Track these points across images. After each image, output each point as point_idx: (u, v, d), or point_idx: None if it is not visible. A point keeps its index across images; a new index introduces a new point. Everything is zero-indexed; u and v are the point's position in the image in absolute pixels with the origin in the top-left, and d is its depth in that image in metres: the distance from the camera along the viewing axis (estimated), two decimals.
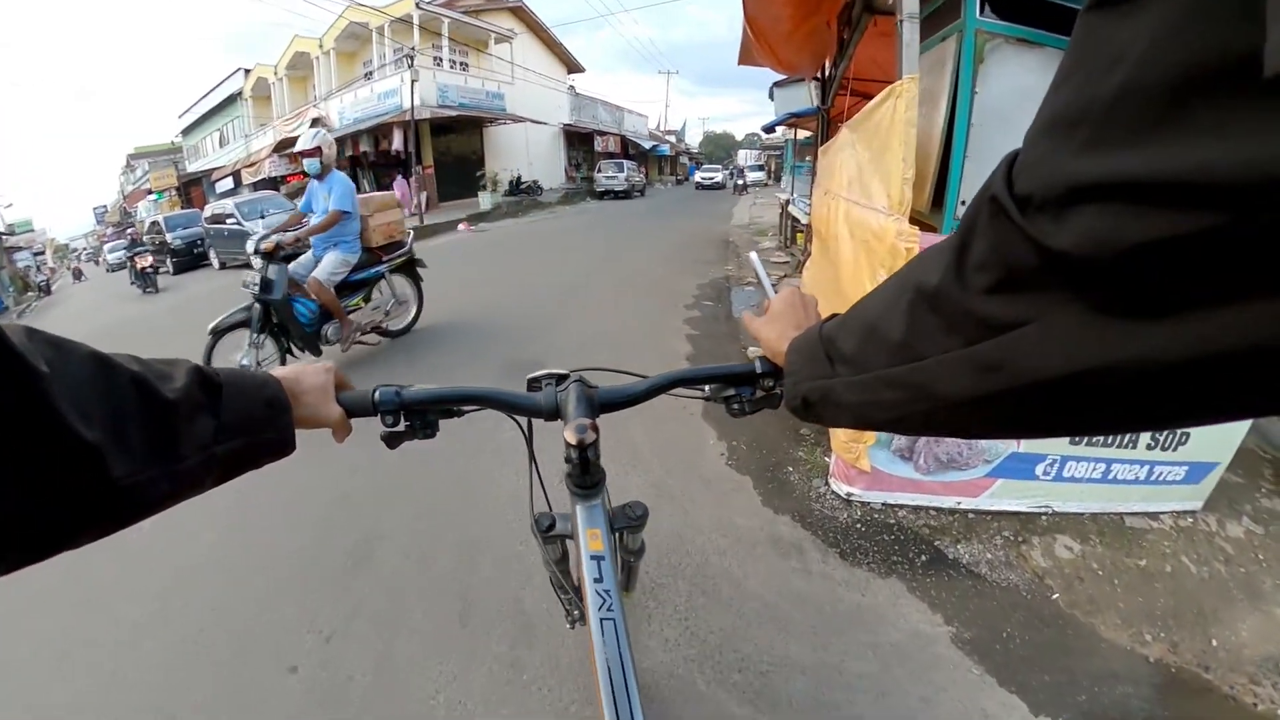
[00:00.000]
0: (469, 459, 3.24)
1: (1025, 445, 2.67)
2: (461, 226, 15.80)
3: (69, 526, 0.43)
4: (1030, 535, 2.60)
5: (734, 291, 7.05)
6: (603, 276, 8.16)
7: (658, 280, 7.74)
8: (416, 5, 19.06)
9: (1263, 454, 3.21)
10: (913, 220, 2.24)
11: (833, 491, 2.81)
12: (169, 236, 16.21)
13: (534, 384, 0.86)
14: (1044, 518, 2.71)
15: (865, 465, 2.58)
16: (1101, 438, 2.72)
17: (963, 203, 2.61)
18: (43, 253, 35.82)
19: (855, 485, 2.71)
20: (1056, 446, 2.72)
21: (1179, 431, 2.81)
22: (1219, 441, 2.97)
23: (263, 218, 13.31)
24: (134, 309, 11.01)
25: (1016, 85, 2.54)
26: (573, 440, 0.72)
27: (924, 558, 2.44)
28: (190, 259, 16.01)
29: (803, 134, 12.03)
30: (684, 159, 46.47)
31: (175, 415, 0.52)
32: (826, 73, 6.02)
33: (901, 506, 2.71)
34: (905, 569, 2.38)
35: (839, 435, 2.70)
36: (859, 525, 2.61)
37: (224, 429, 0.57)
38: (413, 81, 16.00)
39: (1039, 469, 2.73)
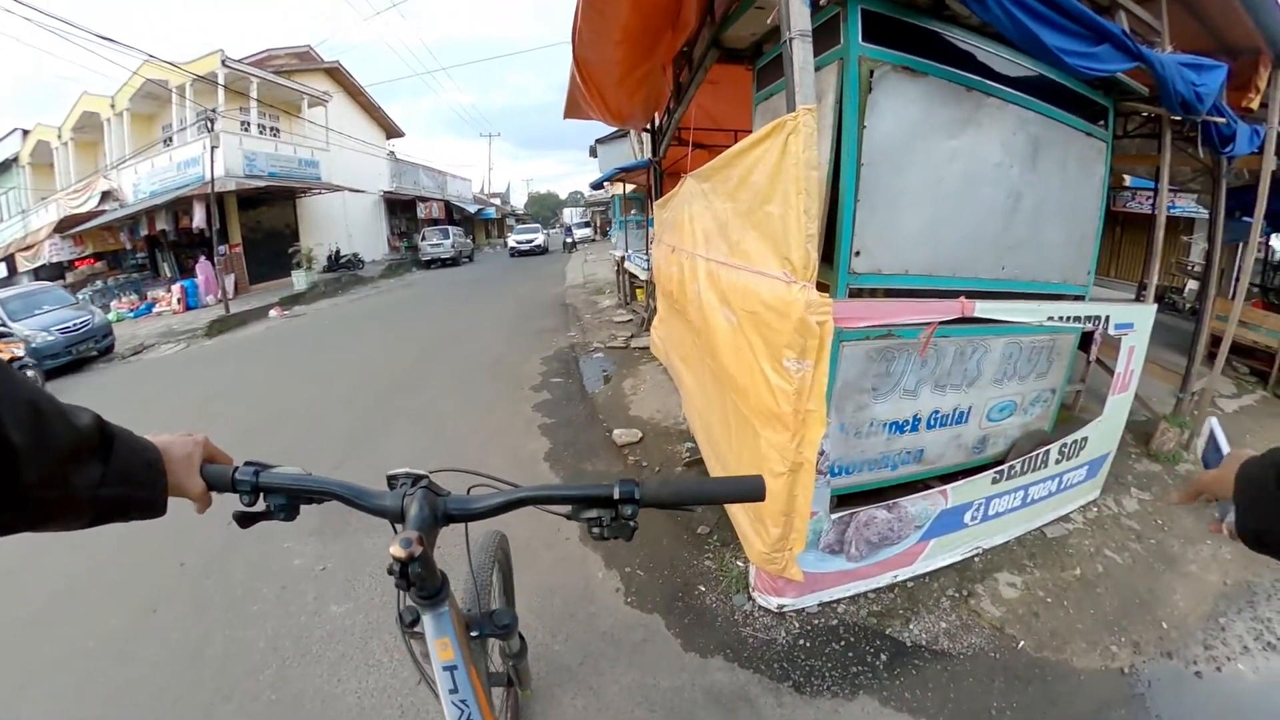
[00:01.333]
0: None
1: (953, 498, 2.54)
2: (273, 312, 13.89)
3: None
4: (971, 584, 2.56)
5: (583, 361, 6.54)
6: (435, 363, 7.16)
7: (499, 359, 7.03)
8: (222, 63, 17.08)
9: None
10: None
11: (760, 607, 2.41)
12: None
13: (392, 480, 0.87)
14: (976, 559, 2.72)
15: (796, 574, 2.24)
16: (1018, 465, 2.76)
17: (856, 253, 2.38)
18: None
19: (785, 595, 2.37)
20: (980, 491, 2.69)
21: (1080, 438, 2.95)
22: (1109, 433, 3.20)
23: (34, 315, 10.56)
24: None
25: (905, 118, 2.37)
26: (399, 554, 0.71)
27: (884, 656, 2.19)
28: None
29: (630, 188, 12.06)
30: (511, 220, 45.99)
31: (79, 447, 0.62)
32: (657, 123, 5.97)
33: (838, 601, 2.43)
34: (869, 678, 2.09)
35: (756, 545, 2.32)
36: (802, 642, 2.26)
37: (108, 476, 0.65)
38: (213, 148, 14.25)
39: (967, 516, 2.69)
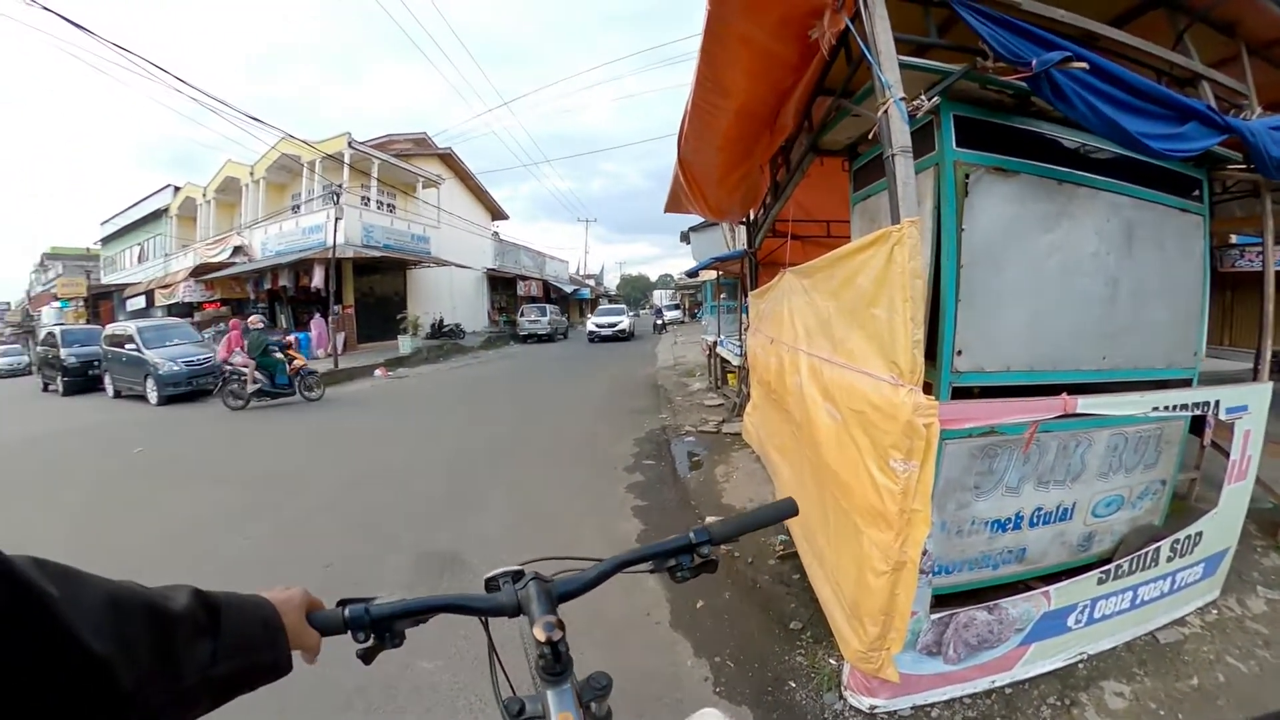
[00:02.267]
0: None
1: (1055, 600, 2.44)
2: (378, 372, 15.00)
3: None
4: (1075, 693, 2.37)
5: (674, 444, 6.58)
6: (532, 435, 7.50)
7: (592, 436, 7.21)
8: (349, 145, 19.32)
9: None
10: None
11: (851, 707, 2.34)
12: (64, 352, 14.72)
13: (491, 583, 0.92)
14: (1080, 666, 2.52)
15: (893, 675, 2.18)
16: (1126, 564, 2.60)
17: (959, 353, 2.43)
18: None
19: (879, 696, 2.29)
20: (1085, 592, 2.54)
21: (1194, 532, 2.73)
22: (1228, 526, 2.94)
23: (165, 346, 12.27)
24: None
25: (1001, 217, 2.45)
26: (542, 638, 0.76)
27: None
28: (83, 380, 14.50)
29: (719, 273, 12.30)
30: (603, 301, 47.64)
31: (178, 632, 0.56)
32: (753, 217, 6.24)
33: (932, 705, 2.33)
34: None
35: (852, 643, 2.29)
36: None
37: (222, 650, 0.59)
38: (337, 219, 15.87)
39: (1071, 619, 2.54)
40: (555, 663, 0.78)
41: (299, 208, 20.44)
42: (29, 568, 0.44)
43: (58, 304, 29.99)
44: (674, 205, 6.10)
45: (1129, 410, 2.44)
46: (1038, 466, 2.61)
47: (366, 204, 20.79)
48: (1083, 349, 2.66)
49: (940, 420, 1.92)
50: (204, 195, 24.33)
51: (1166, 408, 2.52)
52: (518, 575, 0.90)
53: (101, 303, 28.97)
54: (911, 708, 2.29)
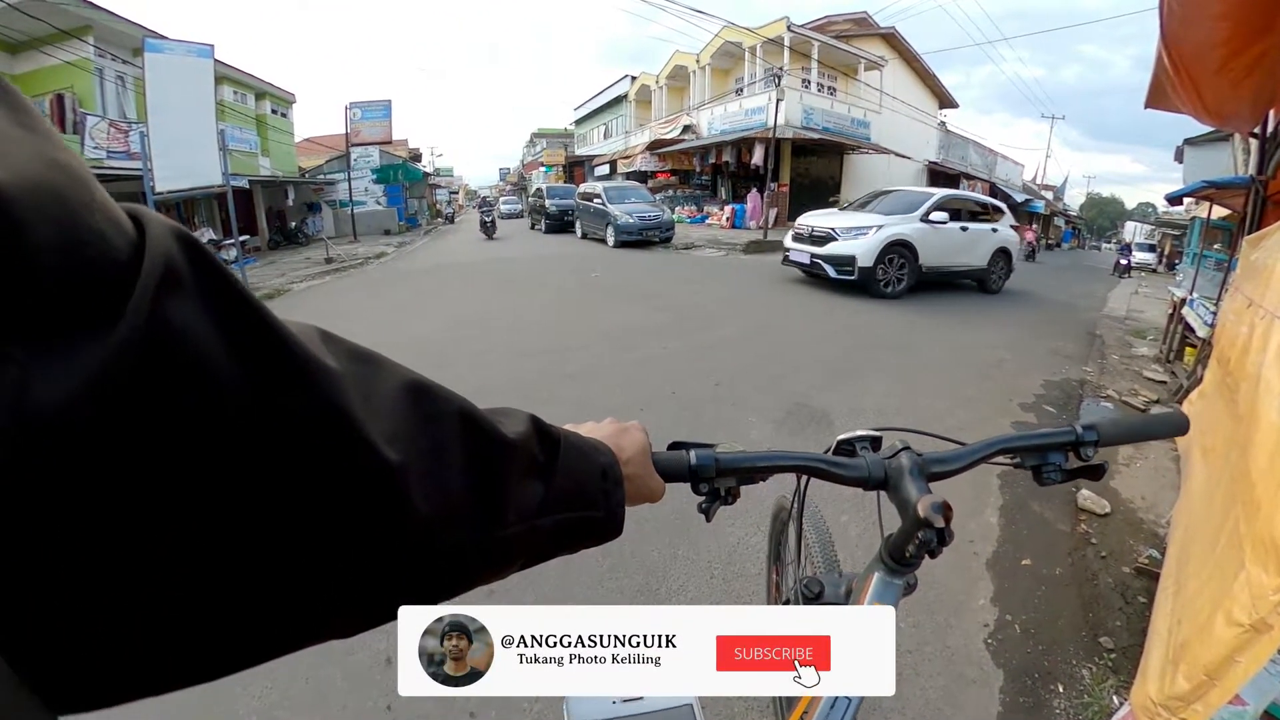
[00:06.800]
0: None
1: None
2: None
3: (346, 590, 0.34)
4: None
5: (1086, 403, 5.46)
6: (935, 345, 7.11)
7: (999, 362, 6.46)
8: (788, 28, 19.67)
9: None
10: None
11: None
12: (548, 203, 20.52)
13: (845, 445, 0.81)
14: None
15: None
16: None
17: None
18: (456, 193, 52.52)
19: None
20: None
21: None
22: None
23: (624, 203, 15.45)
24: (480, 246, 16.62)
25: None
26: (939, 520, 0.65)
27: None
28: (560, 224, 19.58)
29: (1218, 213, 9.11)
30: (1059, 220, 39.01)
31: (509, 465, 0.43)
32: (1270, 127, 4.41)
33: None
34: None
35: (1148, 687, 1.78)
36: None
37: (551, 498, 0.47)
38: (778, 101, 16.53)
39: None
40: (939, 547, 0.69)
41: (741, 90, 21.97)
42: (312, 339, 0.34)
43: (543, 169, 43.69)
44: (1157, 99, 4.50)
45: None
46: None
47: (806, 86, 21.01)
48: None
49: None
50: (656, 82, 28.51)
51: None
52: (875, 441, 0.81)
53: (575, 169, 38.12)
54: None
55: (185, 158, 10.37)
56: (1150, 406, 5.60)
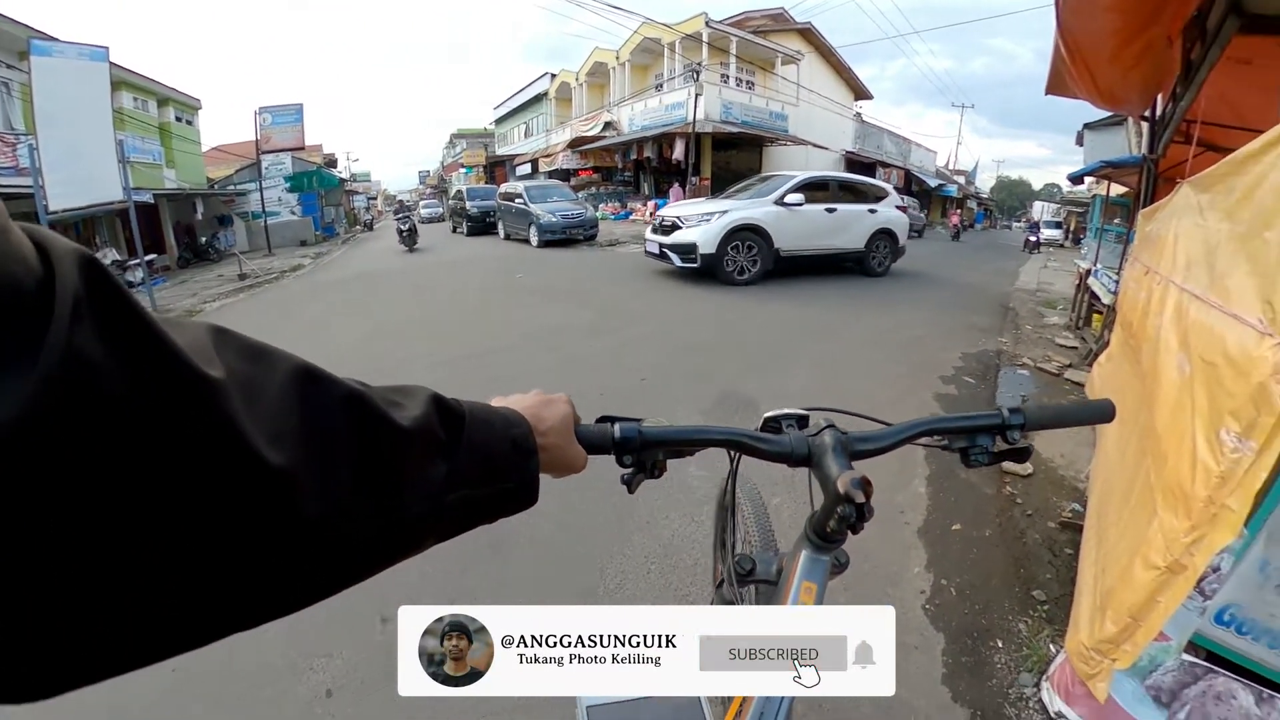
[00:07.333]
0: None
1: None
2: None
3: (239, 589, 0.34)
4: None
5: (1004, 373, 5.71)
6: (854, 325, 7.27)
7: (919, 340, 6.68)
8: (706, 24, 20.06)
9: None
10: None
11: (1039, 700, 2.00)
12: (469, 204, 19.81)
13: (771, 423, 0.82)
14: None
15: (1101, 692, 1.77)
16: None
17: None
18: (375, 198, 51.00)
19: (1073, 706, 1.88)
20: None
21: None
22: None
23: (546, 202, 15.16)
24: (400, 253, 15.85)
25: None
26: (859, 496, 0.66)
27: None
28: (482, 226, 19.05)
29: (1116, 190, 9.77)
30: (971, 204, 40.86)
31: (405, 449, 0.43)
32: (1159, 111, 4.68)
33: None
34: None
35: (1079, 635, 1.88)
36: None
37: (457, 475, 0.47)
38: (698, 95, 16.70)
39: None
40: (859, 523, 0.69)
41: (661, 86, 22.20)
42: (200, 341, 0.33)
43: (463, 170, 42.42)
44: (1056, 86, 4.78)
45: None
46: None
47: (725, 81, 21.40)
48: None
49: None
50: (577, 80, 28.50)
51: None
52: (802, 420, 0.82)
53: (496, 169, 37.46)
54: None
55: (81, 172, 9.39)
56: (1064, 370, 5.95)
